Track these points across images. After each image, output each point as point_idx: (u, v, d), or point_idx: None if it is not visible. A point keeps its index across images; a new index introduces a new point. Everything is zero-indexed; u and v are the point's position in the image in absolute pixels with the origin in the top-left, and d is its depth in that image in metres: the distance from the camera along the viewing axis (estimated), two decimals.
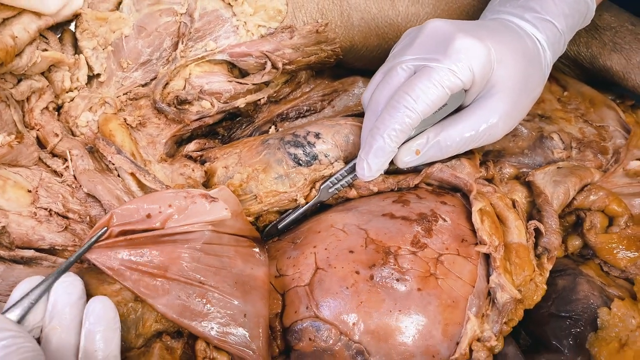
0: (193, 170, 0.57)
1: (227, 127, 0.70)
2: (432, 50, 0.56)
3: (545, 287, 0.59)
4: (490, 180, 0.66)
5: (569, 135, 0.73)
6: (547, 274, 0.60)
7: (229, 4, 0.67)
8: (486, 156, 0.72)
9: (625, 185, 0.68)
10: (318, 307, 0.53)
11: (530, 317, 0.61)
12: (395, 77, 0.57)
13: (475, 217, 0.57)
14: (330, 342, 0.52)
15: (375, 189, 0.63)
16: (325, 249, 0.56)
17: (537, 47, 0.61)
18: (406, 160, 0.59)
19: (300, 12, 0.69)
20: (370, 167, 0.57)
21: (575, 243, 0.65)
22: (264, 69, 0.67)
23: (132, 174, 0.55)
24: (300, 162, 0.62)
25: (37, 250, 0.51)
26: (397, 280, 0.53)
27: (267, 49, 0.66)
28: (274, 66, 0.67)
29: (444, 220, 0.58)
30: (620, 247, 0.63)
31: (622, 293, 0.60)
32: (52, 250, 0.52)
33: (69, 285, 0.44)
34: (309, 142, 0.63)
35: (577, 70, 0.85)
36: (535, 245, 0.62)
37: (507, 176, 0.68)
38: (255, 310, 0.52)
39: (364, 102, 0.63)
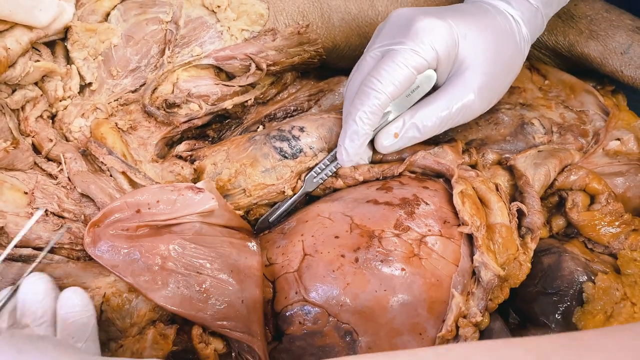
0: (182, 167, 0.60)
1: (216, 129, 0.73)
2: (396, 35, 0.58)
3: (529, 265, 0.61)
4: (473, 166, 0.68)
5: (550, 120, 0.74)
6: (532, 253, 0.62)
7: (213, 10, 0.70)
8: (469, 144, 0.74)
9: (606, 165, 0.70)
10: (307, 292, 0.54)
11: (518, 296, 0.62)
12: (365, 64, 0.60)
13: (457, 199, 0.59)
14: (319, 324, 0.53)
15: (361, 178, 0.65)
16: (312, 236, 0.58)
17: (509, 23, 0.63)
18: (386, 144, 0.61)
19: (281, 16, 0.72)
20: (348, 152, 0.59)
21: (559, 222, 0.67)
22: (249, 70, 0.69)
23: (124, 173, 0.57)
24: (286, 155, 0.64)
25: (35, 248, 0.53)
26: (382, 261, 0.55)
27: (250, 52, 0.69)
28: (258, 67, 0.69)
29: (426, 203, 0.60)
30: (603, 223, 0.64)
31: (606, 268, 0.62)
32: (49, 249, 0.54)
33: (34, 283, 0.46)
34: (293, 136, 0.65)
35: (558, 60, 0.87)
36: (520, 226, 0.63)
37: (489, 162, 0.70)
38: (252, 297, 0.54)
39: (343, 95, 0.65)
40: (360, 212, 0.59)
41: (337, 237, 0.57)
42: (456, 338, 0.55)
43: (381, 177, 0.65)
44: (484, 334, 0.56)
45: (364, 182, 0.66)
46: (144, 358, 0.48)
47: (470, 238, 0.59)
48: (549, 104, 0.78)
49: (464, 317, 0.55)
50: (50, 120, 0.63)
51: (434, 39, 0.57)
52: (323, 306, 0.54)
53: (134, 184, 0.57)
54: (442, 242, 0.57)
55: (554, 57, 0.87)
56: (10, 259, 0.52)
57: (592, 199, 0.66)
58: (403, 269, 0.54)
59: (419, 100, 0.61)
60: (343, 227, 0.58)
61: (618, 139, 0.71)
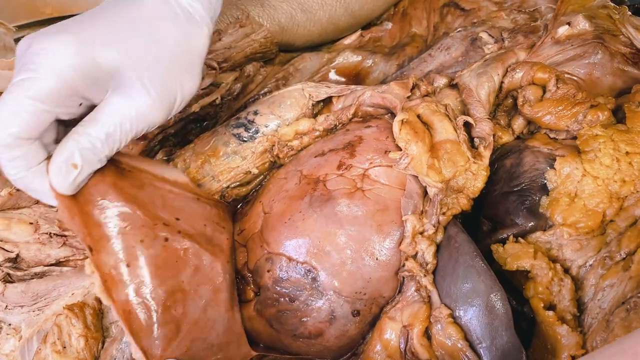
0: None
1: (196, 133, 0.81)
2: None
3: (485, 173, 0.61)
4: (428, 95, 0.70)
5: (499, 28, 0.74)
6: (486, 161, 0.61)
7: None
8: (427, 76, 0.75)
9: (559, 53, 0.68)
10: (268, 245, 0.60)
11: (486, 204, 0.63)
12: None
13: (395, 128, 0.61)
14: (283, 269, 0.58)
15: (321, 128, 0.68)
16: (270, 196, 0.63)
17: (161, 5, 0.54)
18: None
19: (221, 17, 0.79)
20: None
21: (519, 122, 0.66)
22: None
23: None
24: (244, 138, 0.70)
25: (46, 265, 0.64)
26: (326, 201, 0.58)
27: None
28: (211, 67, 0.77)
29: (367, 140, 0.63)
30: (557, 109, 0.63)
31: (569, 152, 0.60)
32: (58, 263, 0.64)
33: None
34: (249, 121, 0.71)
35: None
36: (472, 138, 0.64)
37: (442, 86, 0.71)
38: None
39: None
40: (308, 164, 0.63)
41: (287, 191, 0.62)
42: (416, 254, 0.57)
43: (338, 124, 0.68)
44: (442, 241, 0.58)
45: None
46: None
47: None
48: (500, 14, 0.77)
49: (421, 233, 0.58)
50: None
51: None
52: (282, 254, 0.58)
53: None
54: (385, 171, 0.60)
55: None
56: (29, 278, 0.63)
57: (545, 89, 0.65)
58: (347, 204, 0.58)
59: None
60: (294, 181, 0.62)
61: (567, 24, 0.69)
